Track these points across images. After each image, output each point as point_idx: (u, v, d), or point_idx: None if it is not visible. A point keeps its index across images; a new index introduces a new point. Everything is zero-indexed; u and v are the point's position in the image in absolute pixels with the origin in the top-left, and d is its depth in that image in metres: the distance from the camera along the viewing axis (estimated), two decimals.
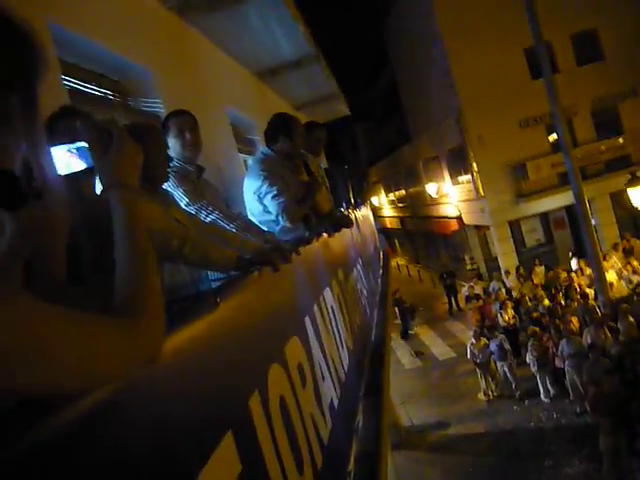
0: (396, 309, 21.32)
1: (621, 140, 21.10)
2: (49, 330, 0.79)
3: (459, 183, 24.82)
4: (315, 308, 2.86)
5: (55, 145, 1.27)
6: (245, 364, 1.65)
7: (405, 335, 21.15)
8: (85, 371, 0.85)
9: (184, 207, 2.90)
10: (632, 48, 20.58)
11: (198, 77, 5.97)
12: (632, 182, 13.62)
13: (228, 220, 3.01)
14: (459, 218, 25.26)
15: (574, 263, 18.71)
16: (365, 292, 5.68)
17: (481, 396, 14.04)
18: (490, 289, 19.52)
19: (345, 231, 4.87)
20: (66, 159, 1.28)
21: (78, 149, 1.28)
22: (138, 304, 1.06)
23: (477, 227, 24.64)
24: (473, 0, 20.79)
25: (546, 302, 16.05)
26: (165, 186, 2.81)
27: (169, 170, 2.76)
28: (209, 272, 2.68)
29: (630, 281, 15.67)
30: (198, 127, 3.39)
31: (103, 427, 0.91)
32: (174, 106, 4.49)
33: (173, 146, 3.27)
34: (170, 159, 2.80)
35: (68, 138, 1.34)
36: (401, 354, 19.12)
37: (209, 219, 2.93)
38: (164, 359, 1.15)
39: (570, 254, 19.71)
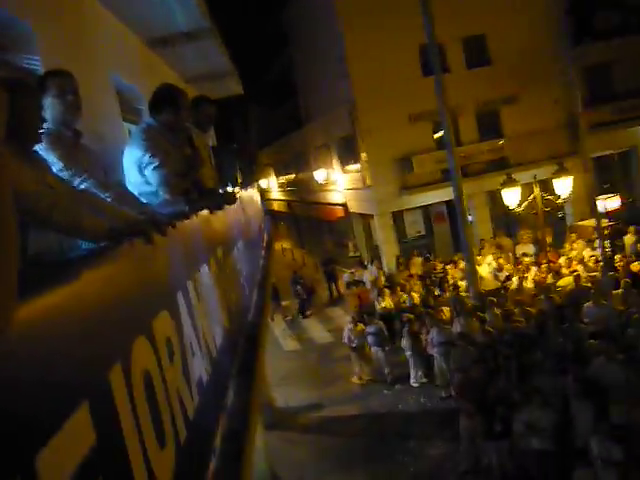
0: (298, 287, 21.67)
1: (501, 143, 22.25)
2: None
3: (348, 172, 25.24)
4: (189, 284, 2.82)
5: None
6: (107, 336, 1.60)
7: (303, 314, 21.57)
8: None
9: (57, 172, 2.76)
10: (515, 56, 21.70)
11: (83, 38, 5.69)
12: (506, 183, 14.44)
13: (103, 188, 2.90)
14: (345, 206, 25.72)
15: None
16: (245, 272, 5.67)
17: (355, 380, 14.46)
18: (370, 274, 20.05)
19: (228, 209, 4.83)
20: None
21: None
22: None
23: (362, 215, 25.20)
24: None
25: (417, 292, 16.77)
26: (38, 149, 2.67)
27: (43, 132, 2.62)
28: (81, 241, 2.57)
29: (497, 276, 16.65)
30: (79, 90, 3.24)
31: None
32: (54, 66, 4.27)
33: (51, 107, 3.08)
34: (44, 120, 2.65)
35: None
36: (281, 336, 19.31)
37: (83, 186, 2.81)
38: (18, 326, 1.10)
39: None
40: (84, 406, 1.32)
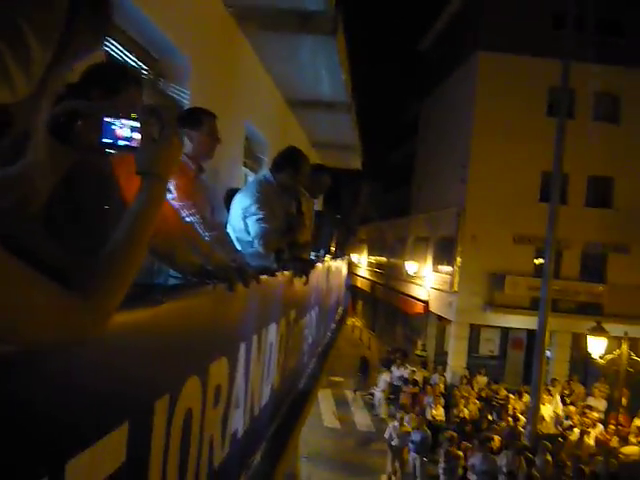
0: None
1: (600, 288, 21.53)
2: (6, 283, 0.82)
3: (438, 271, 25.07)
4: (254, 338, 2.90)
5: (110, 115, 1.33)
6: (166, 367, 1.68)
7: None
8: (24, 328, 0.88)
9: (170, 199, 2.94)
10: (636, 208, 21.20)
11: (232, 82, 6.08)
12: (594, 330, 13.89)
13: (206, 227, 3.06)
14: (426, 303, 25.44)
15: None
16: (310, 340, 5.71)
17: (384, 478, 13.98)
18: (431, 380, 19.58)
19: (312, 276, 4.93)
20: (112, 129, 1.33)
21: (125, 125, 1.34)
22: (107, 289, 1.10)
23: (440, 318, 24.81)
24: (512, 110, 21.37)
25: (472, 411, 16.18)
26: None
27: None
28: (170, 269, 2.70)
29: (560, 422, 15.83)
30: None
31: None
32: (200, 100, 4.59)
33: (196, 142, 3.27)
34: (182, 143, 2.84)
35: (125, 109, 1.40)
36: (324, 410, 19.02)
37: (188, 219, 2.98)
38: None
39: None
40: (124, 426, 1.38)
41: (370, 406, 20.36)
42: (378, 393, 19.94)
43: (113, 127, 1.33)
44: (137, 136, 1.32)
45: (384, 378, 20.12)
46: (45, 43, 0.82)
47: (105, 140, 1.33)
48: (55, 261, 1.29)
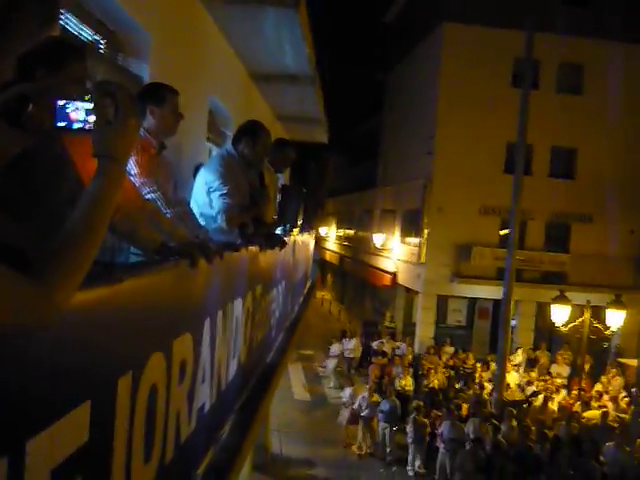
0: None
1: (564, 258, 21.96)
2: None
3: (406, 243, 25.28)
4: (220, 313, 2.91)
5: (63, 98, 1.31)
6: (128, 344, 1.69)
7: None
8: None
9: (130, 176, 2.91)
10: (600, 178, 21.59)
11: (194, 57, 6.00)
12: (558, 299, 14.19)
13: (167, 204, 3.03)
14: (394, 275, 25.67)
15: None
16: (278, 314, 5.74)
17: (355, 448, 14.20)
18: (399, 351, 19.86)
19: (278, 250, 4.95)
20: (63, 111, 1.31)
21: (80, 108, 1.31)
22: (65, 272, 1.10)
23: (407, 290, 25.08)
24: (478, 82, 21.46)
25: (440, 380, 16.53)
26: None
27: None
28: (132, 248, 2.69)
29: (523, 389, 16.24)
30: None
31: None
32: (161, 76, 4.52)
33: (159, 118, 3.23)
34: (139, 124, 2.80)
35: (76, 88, 1.37)
36: (294, 383, 19.18)
37: (149, 197, 2.95)
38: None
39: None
40: (86, 405, 1.39)
41: (322, 378, 20.53)
42: (330, 364, 20.10)
43: (67, 110, 1.31)
44: (92, 119, 1.31)
45: (334, 349, 20.32)
46: None
47: (59, 124, 1.31)
48: (14, 241, 1.29)
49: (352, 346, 20.96)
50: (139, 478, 1.82)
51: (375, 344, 20.50)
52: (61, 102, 1.30)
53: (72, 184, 1.83)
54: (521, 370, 17.66)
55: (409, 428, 13.17)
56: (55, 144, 1.84)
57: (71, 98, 1.32)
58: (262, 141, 4.27)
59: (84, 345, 1.40)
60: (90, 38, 4.04)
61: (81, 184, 1.95)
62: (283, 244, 4.89)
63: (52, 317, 1.06)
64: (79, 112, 1.31)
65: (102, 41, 4.25)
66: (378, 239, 27.73)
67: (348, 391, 15.41)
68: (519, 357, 19.24)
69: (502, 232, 21.40)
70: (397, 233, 26.39)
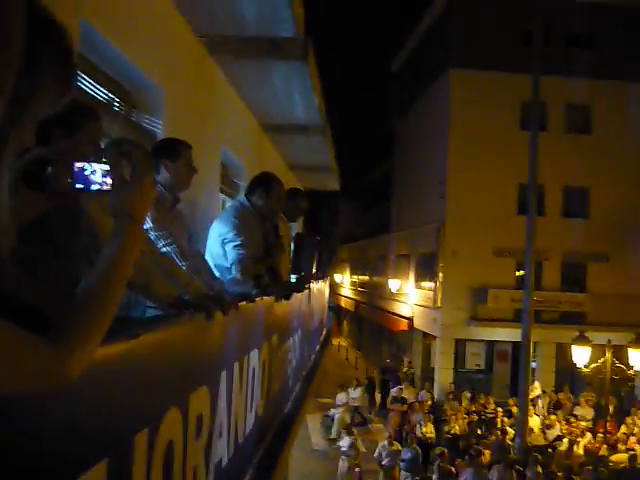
0: None
1: (582, 297, 21.73)
2: None
3: (421, 288, 25.16)
4: (236, 365, 2.89)
5: (80, 160, 1.34)
6: (144, 400, 1.68)
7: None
8: None
9: (144, 230, 2.95)
10: (615, 216, 21.52)
11: (206, 110, 6.11)
12: (578, 340, 13.99)
13: (182, 257, 3.06)
14: (410, 320, 25.48)
15: None
16: (294, 363, 5.69)
17: None
18: (419, 397, 19.54)
19: (294, 299, 4.94)
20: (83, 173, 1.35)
21: (97, 169, 1.35)
22: (82, 334, 1.09)
23: (425, 334, 24.86)
24: (486, 125, 21.69)
25: (462, 426, 16.20)
26: None
27: None
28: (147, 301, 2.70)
29: (546, 433, 15.88)
30: None
31: None
32: (174, 130, 4.62)
33: (176, 173, 3.30)
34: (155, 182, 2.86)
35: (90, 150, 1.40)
36: (312, 432, 18.87)
37: (164, 250, 2.98)
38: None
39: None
40: (103, 463, 1.37)
41: (326, 427, 20.09)
42: (336, 414, 19.65)
43: (85, 172, 1.34)
44: (109, 180, 1.34)
45: (340, 398, 19.96)
46: None
47: (78, 185, 1.34)
48: (32, 300, 1.30)
49: (357, 395, 20.71)
50: None
51: (394, 391, 20.19)
52: (79, 164, 1.33)
53: (87, 237, 1.85)
54: (539, 407, 17.26)
55: (434, 476, 12.87)
56: (72, 202, 1.88)
57: (88, 159, 1.35)
58: (275, 192, 4.32)
59: (101, 402, 1.39)
60: (105, 97, 4.14)
61: (96, 236, 1.98)
62: (302, 287, 4.90)
63: (71, 378, 1.06)
64: (96, 173, 1.34)
65: (117, 100, 4.35)
66: (394, 284, 27.63)
67: (347, 441, 14.78)
68: (537, 390, 18.68)
69: (517, 273, 21.28)
70: (412, 277, 26.30)
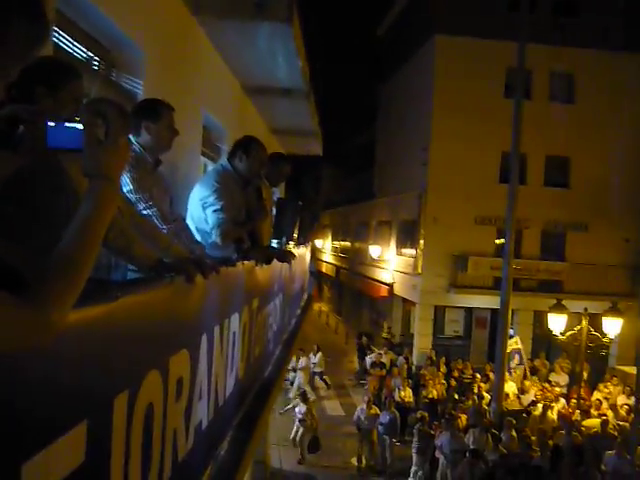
0: None
1: (560, 266, 21.99)
2: None
3: (402, 254, 25.29)
4: (216, 329, 2.89)
5: (54, 119, 1.31)
6: (123, 363, 1.67)
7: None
8: None
9: (125, 192, 2.91)
10: (594, 186, 21.69)
11: (187, 71, 6.01)
12: (555, 308, 14.21)
13: (163, 220, 3.03)
14: (390, 286, 25.67)
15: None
16: (275, 327, 5.71)
17: (354, 461, 14.14)
18: (397, 362, 19.79)
19: (274, 264, 4.93)
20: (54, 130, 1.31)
21: (71, 128, 1.31)
22: (58, 293, 1.09)
23: (404, 300, 25.08)
24: (471, 93, 21.58)
25: (439, 391, 16.48)
26: None
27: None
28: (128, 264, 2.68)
29: (521, 399, 16.18)
30: None
31: None
32: (155, 92, 4.53)
33: (158, 135, 3.25)
34: (130, 142, 2.82)
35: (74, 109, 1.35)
36: (293, 397, 19.06)
37: (146, 212, 2.95)
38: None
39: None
40: (82, 425, 1.37)
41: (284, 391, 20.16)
42: (298, 378, 19.64)
43: (58, 131, 1.30)
44: (83, 139, 1.30)
45: (301, 362, 20.01)
46: None
47: (52, 145, 1.31)
48: (9, 260, 1.28)
49: (316, 360, 20.88)
50: None
51: (373, 356, 20.44)
52: (52, 123, 1.30)
53: (70, 199, 1.83)
54: (515, 361, 17.44)
55: (414, 439, 13.10)
56: (51, 161, 1.84)
57: (64, 118, 1.32)
58: (255, 154, 4.27)
59: (79, 364, 1.38)
60: (84, 56, 4.04)
61: (78, 196, 1.95)
62: (289, 258, 4.90)
63: (49, 336, 1.06)
64: (70, 132, 1.30)
65: (96, 58, 4.25)
66: (374, 250, 27.74)
67: (303, 408, 14.59)
68: (515, 345, 18.61)
69: (498, 241, 21.45)
70: (393, 244, 26.42)
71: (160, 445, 2.04)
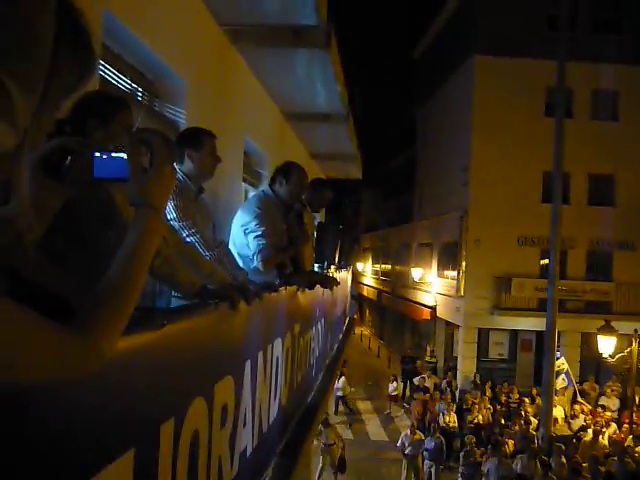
0: None
1: (607, 286, 21.47)
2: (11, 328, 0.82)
3: (444, 276, 25.04)
4: (260, 355, 2.89)
5: (99, 150, 1.34)
6: (169, 390, 1.68)
7: None
8: (20, 368, 0.88)
9: (169, 220, 2.95)
10: None
11: (228, 99, 6.11)
12: (604, 329, 13.85)
13: (206, 247, 3.06)
14: (433, 309, 25.39)
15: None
16: (317, 352, 5.69)
17: None
18: (441, 387, 19.50)
19: (316, 289, 4.93)
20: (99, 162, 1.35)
21: (116, 158, 1.34)
22: (105, 324, 1.09)
23: (447, 323, 24.76)
24: (511, 112, 21.41)
25: (485, 416, 16.12)
26: None
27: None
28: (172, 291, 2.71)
29: (570, 424, 15.74)
30: None
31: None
32: (197, 120, 4.61)
33: (200, 163, 3.30)
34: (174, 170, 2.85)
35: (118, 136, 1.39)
36: (335, 421, 18.94)
37: (189, 240, 2.98)
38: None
39: None
40: (130, 453, 1.38)
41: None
42: None
43: (104, 162, 1.33)
44: (128, 168, 1.32)
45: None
46: (29, 93, 0.82)
47: (98, 175, 1.34)
48: (57, 289, 1.30)
49: (340, 385, 20.62)
50: None
51: (416, 380, 20.18)
52: (97, 154, 1.33)
53: (120, 230, 1.86)
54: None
55: (460, 465, 12.85)
56: (99, 192, 1.89)
57: (107, 150, 1.34)
58: (296, 179, 4.30)
59: (127, 392, 1.39)
60: (128, 87, 4.15)
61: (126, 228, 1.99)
62: (331, 283, 4.90)
63: (97, 365, 1.07)
64: (115, 163, 1.33)
65: (140, 89, 4.36)
66: (416, 273, 27.54)
67: (325, 433, 14.18)
68: (563, 365, 17.99)
69: (542, 262, 21.08)
70: (434, 266, 26.19)
71: (205, 472, 2.03)
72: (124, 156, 1.33)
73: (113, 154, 1.33)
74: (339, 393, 20.67)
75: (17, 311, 0.86)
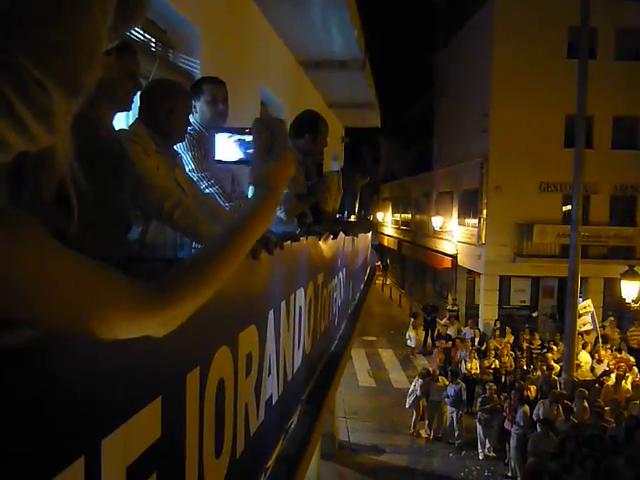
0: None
1: (631, 231, 21.22)
2: (63, 273, 0.78)
3: (464, 225, 24.90)
4: (283, 304, 2.90)
5: (222, 131, 1.43)
6: (194, 340, 1.68)
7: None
8: (83, 320, 0.86)
9: (188, 172, 2.93)
10: None
11: (243, 48, 6.00)
12: (627, 274, 13.75)
13: (226, 198, 3.04)
14: (454, 258, 25.34)
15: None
16: (340, 302, 5.72)
17: (423, 433, 14.13)
18: (463, 334, 19.59)
19: (338, 238, 4.91)
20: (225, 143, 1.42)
21: (240, 141, 1.40)
22: (190, 289, 1.07)
23: (469, 271, 24.72)
24: (532, 54, 20.85)
25: (508, 362, 16.21)
26: (177, 147, 2.84)
27: (186, 132, 2.79)
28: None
29: (594, 368, 15.76)
30: (228, 99, 3.42)
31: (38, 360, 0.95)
32: (212, 70, 4.54)
33: (201, 111, 3.28)
34: (189, 122, 2.82)
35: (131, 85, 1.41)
36: (358, 370, 19.20)
37: (208, 190, 2.96)
38: None
39: None
40: (157, 401, 1.39)
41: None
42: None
43: (226, 145, 1.43)
44: (251, 151, 1.43)
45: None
46: (72, 96, 0.78)
47: (219, 158, 1.43)
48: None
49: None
50: (211, 472, 1.82)
51: (440, 325, 20.29)
52: (224, 135, 1.42)
53: (132, 181, 1.84)
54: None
55: (478, 411, 13.01)
56: (112, 143, 1.86)
57: (231, 132, 1.47)
58: (324, 134, 4.24)
59: (153, 343, 1.39)
60: (141, 37, 4.08)
61: (139, 179, 1.97)
62: (369, 226, 4.88)
63: (162, 333, 1.06)
64: (237, 145, 1.42)
65: (153, 39, 4.28)
66: (436, 222, 27.41)
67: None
68: (589, 308, 17.85)
69: (564, 208, 20.84)
70: (455, 215, 26.02)
71: (232, 420, 2.06)
72: (248, 138, 1.44)
73: (237, 136, 1.43)
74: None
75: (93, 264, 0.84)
